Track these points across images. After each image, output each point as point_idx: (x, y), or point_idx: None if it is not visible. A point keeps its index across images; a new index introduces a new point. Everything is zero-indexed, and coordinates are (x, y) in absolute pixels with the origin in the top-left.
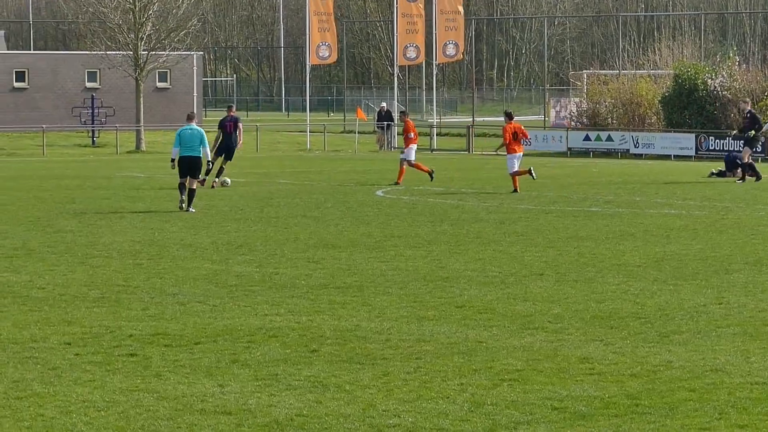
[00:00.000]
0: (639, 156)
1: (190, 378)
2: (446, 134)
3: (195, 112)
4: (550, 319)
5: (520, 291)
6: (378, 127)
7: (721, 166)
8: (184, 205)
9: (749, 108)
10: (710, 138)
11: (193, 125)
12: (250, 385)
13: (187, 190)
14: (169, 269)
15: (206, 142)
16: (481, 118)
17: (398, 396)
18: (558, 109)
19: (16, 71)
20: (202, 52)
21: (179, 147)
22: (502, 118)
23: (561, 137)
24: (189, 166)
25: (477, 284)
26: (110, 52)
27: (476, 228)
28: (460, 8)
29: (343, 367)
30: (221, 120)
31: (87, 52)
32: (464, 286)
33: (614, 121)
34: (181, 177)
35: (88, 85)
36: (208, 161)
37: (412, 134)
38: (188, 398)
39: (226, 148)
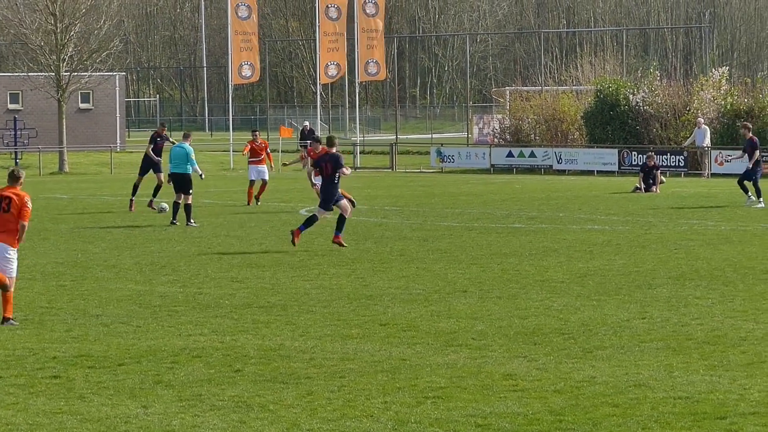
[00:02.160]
0: (562, 172)
1: (114, 400)
2: (370, 152)
3: (181, 131)
4: (473, 336)
5: (443, 308)
6: (301, 145)
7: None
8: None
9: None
10: (633, 153)
11: (184, 143)
12: (174, 406)
13: (181, 206)
14: (93, 290)
15: (193, 160)
16: (405, 136)
17: (322, 415)
18: (481, 126)
19: None
20: (124, 73)
21: (170, 164)
22: (427, 136)
23: (484, 154)
24: (176, 183)
25: (401, 302)
26: (32, 74)
27: (400, 245)
28: (382, 26)
29: (267, 387)
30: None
31: (9, 74)
32: (388, 303)
33: (537, 138)
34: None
35: (11, 106)
36: (200, 174)
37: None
38: (111, 420)
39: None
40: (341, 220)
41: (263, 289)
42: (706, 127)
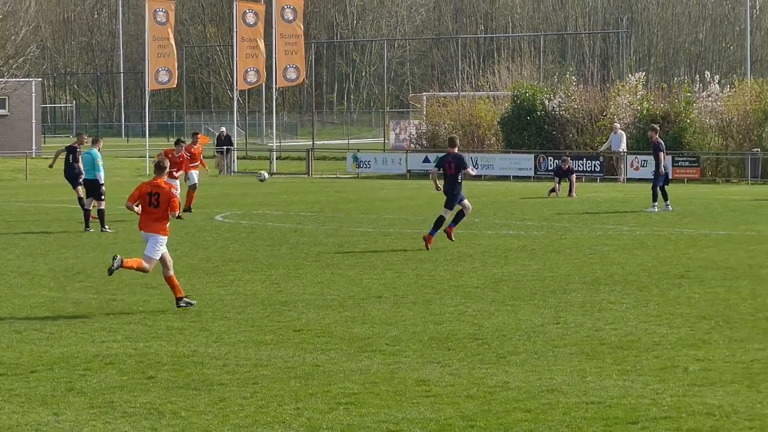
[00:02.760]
0: (478, 177)
1: (25, 407)
2: (286, 158)
3: (90, 136)
4: (387, 342)
5: (358, 314)
6: (218, 151)
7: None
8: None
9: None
10: (549, 158)
11: (92, 149)
12: (86, 413)
13: (95, 211)
14: (6, 297)
15: (99, 165)
16: (321, 142)
17: (234, 421)
18: (398, 131)
19: None
20: (40, 79)
21: (83, 171)
22: (343, 141)
23: (401, 159)
24: (87, 189)
25: (315, 308)
26: None
27: (315, 251)
28: (301, 32)
29: (180, 393)
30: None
31: None
32: (302, 309)
33: None
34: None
35: None
36: (101, 184)
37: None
38: (22, 428)
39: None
40: (460, 216)
41: None
42: (622, 132)
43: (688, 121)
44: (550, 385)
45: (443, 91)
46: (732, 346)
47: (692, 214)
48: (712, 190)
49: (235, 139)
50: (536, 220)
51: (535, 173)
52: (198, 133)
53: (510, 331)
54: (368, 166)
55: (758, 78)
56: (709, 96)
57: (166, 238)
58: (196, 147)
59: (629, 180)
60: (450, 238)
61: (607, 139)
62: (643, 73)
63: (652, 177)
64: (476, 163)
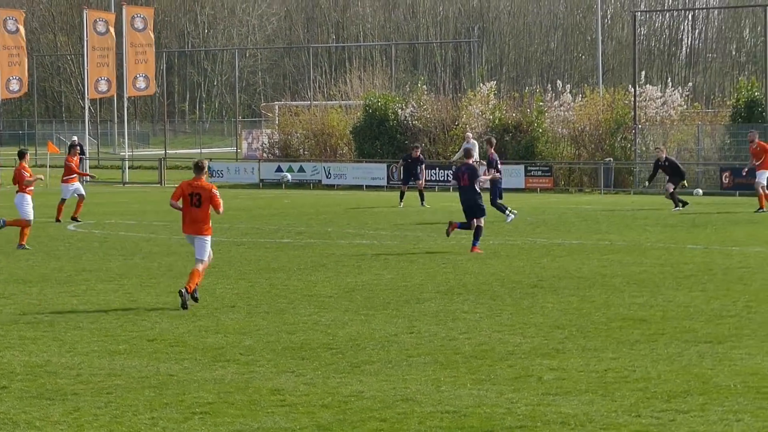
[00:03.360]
0: (331, 186)
1: None
2: (138, 167)
3: None
4: (241, 351)
5: (211, 323)
6: None
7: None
8: None
9: (665, 155)
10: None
11: None
12: None
13: None
14: None
15: None
16: (174, 151)
17: (88, 431)
18: (250, 140)
19: None
20: None
21: None
22: (196, 151)
23: (253, 169)
24: None
25: (169, 317)
26: None
27: (168, 261)
28: (151, 41)
29: (33, 403)
30: None
31: None
32: (156, 319)
33: (306, 152)
34: None
35: None
36: None
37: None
38: None
39: None
40: (478, 231)
41: (30, 305)
42: (475, 142)
43: (541, 130)
44: (404, 395)
45: (295, 101)
46: (586, 355)
47: (545, 224)
48: (564, 199)
49: (87, 149)
50: (389, 229)
51: (387, 183)
52: (76, 145)
53: (364, 341)
54: (221, 175)
55: (610, 87)
56: (561, 105)
57: (210, 237)
58: (73, 158)
59: (482, 189)
60: (447, 233)
61: (459, 149)
62: (495, 83)
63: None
64: (329, 173)
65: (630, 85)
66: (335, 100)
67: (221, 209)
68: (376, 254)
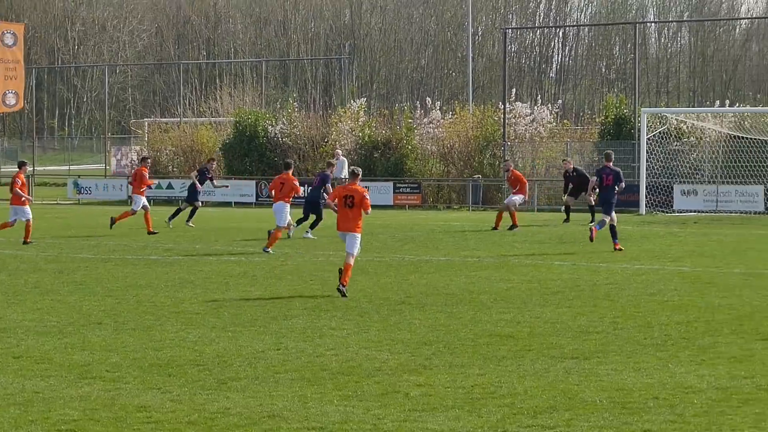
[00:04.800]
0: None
1: None
2: (6, 184)
3: None
4: (108, 368)
5: (78, 340)
6: None
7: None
8: None
9: (572, 166)
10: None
11: None
12: None
13: None
14: None
15: None
16: (42, 168)
17: None
18: (119, 157)
19: None
20: None
21: None
22: (65, 167)
23: (122, 185)
24: None
25: (34, 334)
26: None
27: (34, 278)
28: (20, 57)
29: None
30: None
31: None
32: (21, 336)
33: (175, 169)
34: None
35: None
36: None
37: None
38: None
39: None
40: (612, 229)
41: None
42: (344, 159)
43: (410, 147)
44: (271, 411)
45: (165, 117)
46: (453, 371)
47: (413, 240)
48: (433, 216)
49: None
50: (257, 246)
51: (256, 200)
52: (25, 164)
53: (231, 357)
54: (89, 192)
55: (480, 104)
56: (430, 122)
57: (360, 234)
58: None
59: None
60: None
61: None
62: (366, 99)
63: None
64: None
65: (500, 102)
66: (205, 116)
67: (369, 210)
68: (244, 271)
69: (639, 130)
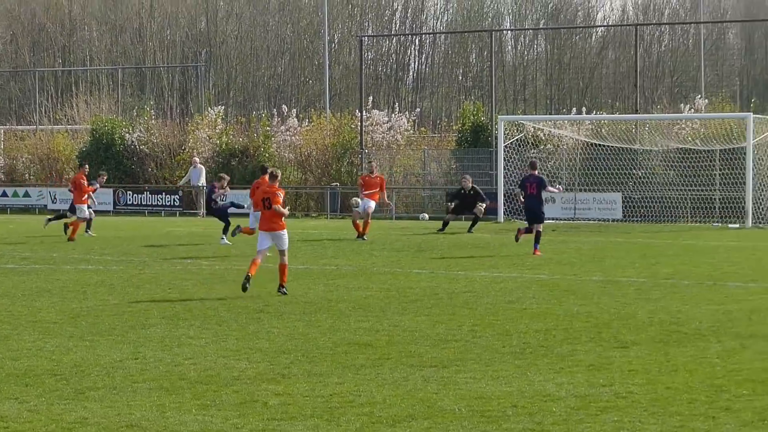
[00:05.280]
0: (57, 211)
1: None
2: None
3: None
4: None
5: None
6: None
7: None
8: None
9: (471, 185)
10: (128, 192)
11: None
12: None
13: None
14: None
15: None
16: None
17: None
18: None
19: None
20: None
21: None
22: None
23: None
24: None
25: None
26: None
27: None
28: None
29: None
30: None
31: None
32: None
33: (32, 177)
34: None
35: None
36: None
37: None
38: None
39: None
40: (537, 236)
41: None
42: (202, 167)
43: (267, 155)
44: (129, 421)
45: (21, 125)
46: (311, 380)
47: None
48: (291, 224)
49: None
50: (115, 254)
51: (114, 208)
52: None
53: (89, 367)
54: None
55: (337, 112)
56: (287, 130)
57: (285, 231)
58: None
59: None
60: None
61: (186, 173)
62: (223, 107)
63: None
64: (55, 197)
65: (357, 110)
66: (62, 124)
67: (280, 206)
68: (102, 280)
69: (496, 138)
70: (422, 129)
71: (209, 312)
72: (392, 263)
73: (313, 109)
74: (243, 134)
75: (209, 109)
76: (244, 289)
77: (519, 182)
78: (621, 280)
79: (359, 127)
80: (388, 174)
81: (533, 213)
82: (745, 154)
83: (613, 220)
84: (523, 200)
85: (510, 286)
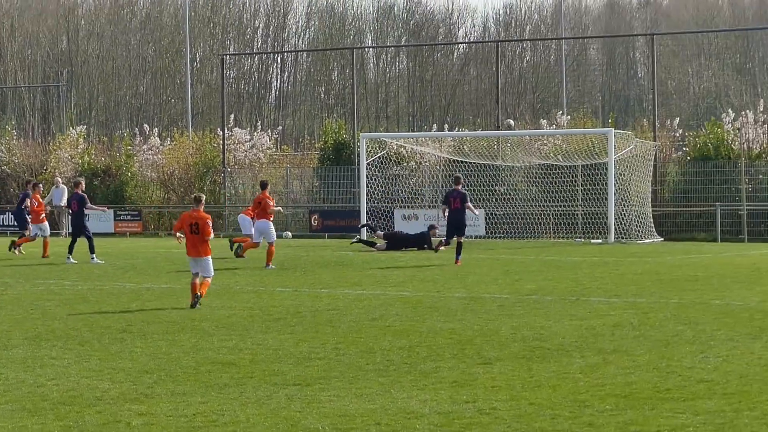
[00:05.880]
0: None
1: None
2: None
3: None
4: None
5: None
6: None
7: None
8: None
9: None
10: None
11: None
12: None
13: None
14: None
15: None
16: None
17: None
18: None
19: None
20: None
21: None
22: None
23: None
24: None
25: None
26: None
27: None
28: None
29: None
30: None
31: None
32: None
33: None
34: None
35: None
36: None
37: None
38: None
39: None
40: (459, 246)
41: None
42: (64, 187)
43: (130, 174)
44: None
45: None
46: (175, 399)
47: (134, 268)
48: (154, 243)
49: None
50: None
51: None
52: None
53: None
54: None
55: (199, 131)
56: (150, 149)
57: (210, 257)
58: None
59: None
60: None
61: (49, 193)
62: (85, 127)
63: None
64: None
65: (219, 129)
66: None
67: (210, 236)
68: None
69: (358, 155)
70: (284, 147)
71: (71, 332)
72: (255, 282)
73: (175, 128)
74: (105, 154)
75: (71, 128)
76: (193, 306)
77: (443, 197)
78: (484, 296)
79: (221, 146)
80: (251, 193)
81: (458, 226)
82: (606, 169)
83: (476, 237)
84: (446, 214)
85: (373, 304)
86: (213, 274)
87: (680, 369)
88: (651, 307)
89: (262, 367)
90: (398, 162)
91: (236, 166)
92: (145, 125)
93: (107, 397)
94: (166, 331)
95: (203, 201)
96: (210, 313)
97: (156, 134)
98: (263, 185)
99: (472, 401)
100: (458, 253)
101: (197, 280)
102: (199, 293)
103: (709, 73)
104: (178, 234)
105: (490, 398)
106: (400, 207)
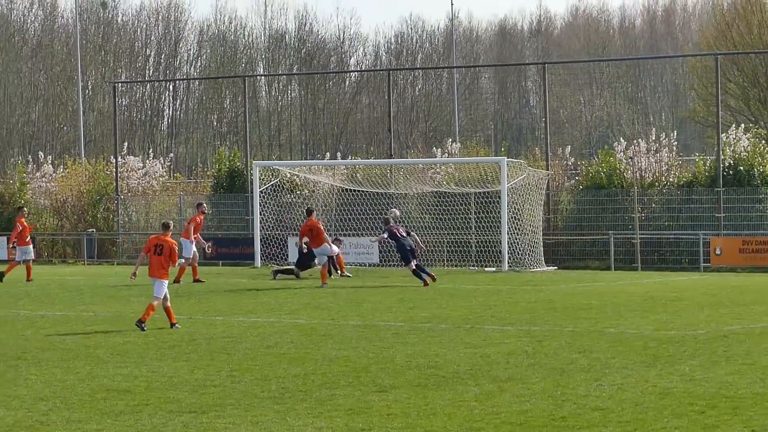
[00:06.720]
0: None
1: None
2: None
3: None
4: None
5: None
6: None
7: None
8: None
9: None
10: None
11: None
12: None
13: None
14: None
15: None
16: None
17: None
18: None
19: None
20: None
21: None
22: None
23: None
24: None
25: None
26: None
27: None
28: None
29: None
30: None
31: None
32: None
33: None
34: None
35: None
36: None
37: None
38: None
39: None
40: (419, 268)
41: None
42: None
43: (23, 201)
44: None
45: None
46: (70, 426)
47: (29, 296)
48: (48, 270)
49: None
50: None
51: None
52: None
53: None
54: None
55: (92, 158)
56: (43, 176)
57: (166, 280)
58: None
59: None
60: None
61: None
62: None
63: None
64: None
65: (112, 156)
66: None
67: (176, 262)
68: None
69: (252, 183)
70: (177, 174)
71: None
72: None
73: (68, 156)
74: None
75: None
76: (172, 326)
77: (387, 234)
78: (379, 324)
79: (114, 174)
80: (144, 220)
81: (411, 251)
82: (499, 197)
83: (370, 265)
84: (397, 244)
85: (268, 331)
86: (161, 296)
87: (575, 397)
88: (545, 335)
89: (157, 395)
90: (291, 190)
91: (129, 194)
92: (39, 153)
93: (2, 425)
94: (61, 358)
95: (171, 227)
96: (104, 340)
97: (49, 162)
98: (309, 212)
99: (367, 429)
100: (423, 272)
101: (168, 304)
102: (142, 318)
103: (601, 102)
104: (132, 273)
105: (386, 426)
106: (294, 234)
